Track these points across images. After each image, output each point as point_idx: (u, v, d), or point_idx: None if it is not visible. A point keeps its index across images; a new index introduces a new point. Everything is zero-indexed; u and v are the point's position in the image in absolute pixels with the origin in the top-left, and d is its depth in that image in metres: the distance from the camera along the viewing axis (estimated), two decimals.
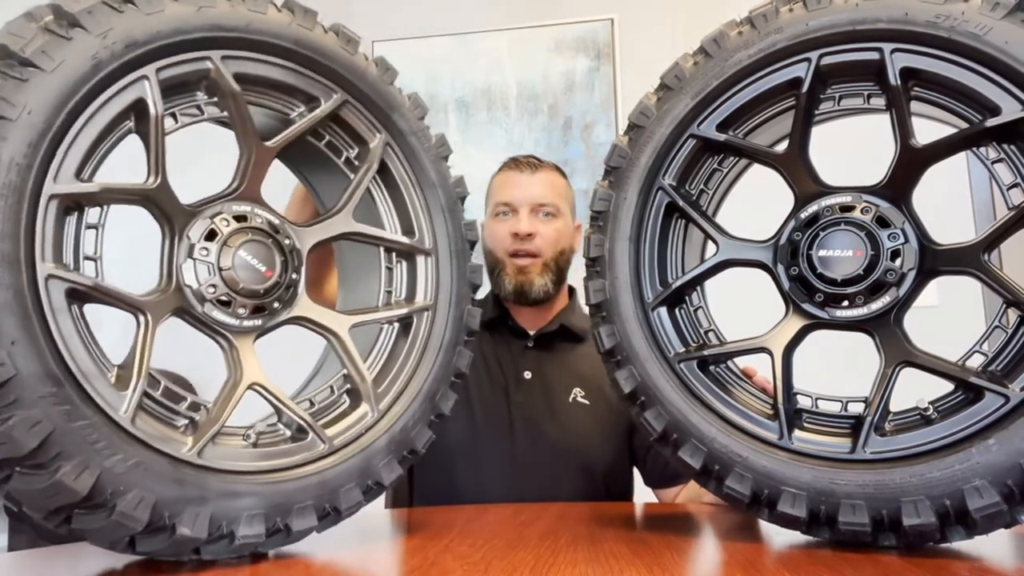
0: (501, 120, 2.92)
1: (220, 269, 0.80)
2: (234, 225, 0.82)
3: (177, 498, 0.72)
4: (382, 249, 1.00)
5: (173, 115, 0.82)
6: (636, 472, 1.69)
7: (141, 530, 0.70)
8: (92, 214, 0.76)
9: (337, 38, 0.91)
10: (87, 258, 0.76)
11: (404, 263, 1.00)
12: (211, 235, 0.80)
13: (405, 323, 0.97)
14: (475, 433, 1.46)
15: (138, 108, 0.76)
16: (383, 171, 0.97)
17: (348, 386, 0.93)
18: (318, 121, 0.90)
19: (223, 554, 0.77)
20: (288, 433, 0.87)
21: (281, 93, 0.90)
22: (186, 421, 0.80)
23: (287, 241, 0.86)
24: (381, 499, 1.63)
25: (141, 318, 0.76)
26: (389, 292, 1.00)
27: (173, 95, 0.81)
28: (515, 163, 1.58)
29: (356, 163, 0.96)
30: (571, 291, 1.65)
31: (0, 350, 0.62)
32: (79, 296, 0.72)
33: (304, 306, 0.88)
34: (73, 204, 0.73)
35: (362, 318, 0.94)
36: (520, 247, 1.50)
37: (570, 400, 1.49)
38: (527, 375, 1.51)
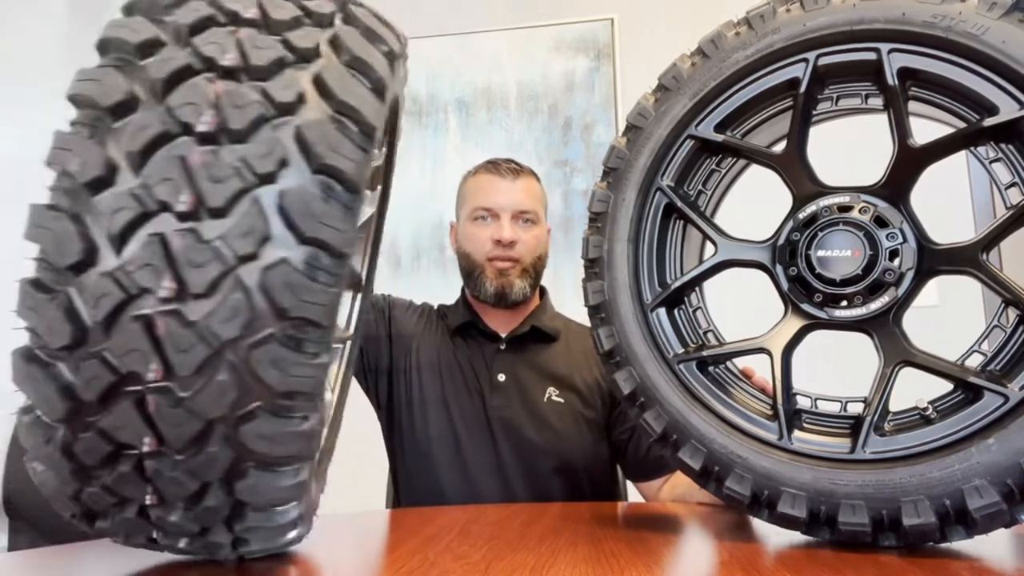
0: (501, 120, 2.92)
1: None
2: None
3: None
4: None
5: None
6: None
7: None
8: None
9: None
10: None
11: None
12: None
13: None
14: (456, 439, 1.47)
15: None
16: None
17: None
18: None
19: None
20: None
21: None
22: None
23: None
24: (381, 499, 1.64)
25: None
26: None
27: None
28: (495, 167, 1.57)
29: None
30: (542, 291, 1.66)
31: None
32: None
33: None
34: None
35: None
36: (501, 254, 1.50)
37: (545, 400, 1.50)
38: (501, 378, 1.51)
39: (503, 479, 1.44)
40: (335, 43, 0.64)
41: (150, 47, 0.60)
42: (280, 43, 0.62)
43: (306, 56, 0.62)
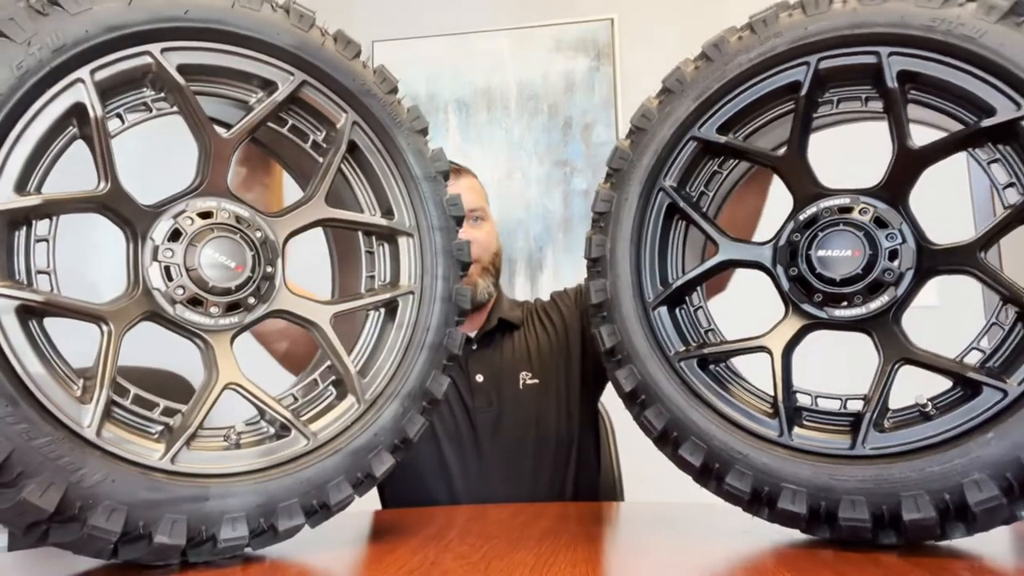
0: (501, 120, 2.92)
1: (187, 269, 0.78)
2: (199, 223, 0.80)
3: (151, 506, 0.72)
4: (361, 233, 0.97)
5: (119, 115, 0.80)
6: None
7: (116, 540, 0.70)
8: (41, 227, 0.75)
9: (288, 16, 0.86)
10: (40, 272, 0.74)
11: (386, 246, 0.96)
12: (175, 235, 0.79)
13: (391, 308, 0.94)
14: (439, 446, 1.47)
15: (79, 112, 0.74)
16: (354, 151, 0.92)
17: (333, 378, 0.91)
18: (276, 106, 0.86)
19: (209, 556, 0.77)
20: (272, 431, 0.86)
21: (235, 80, 0.86)
22: (161, 427, 0.79)
23: (258, 234, 0.83)
24: (377, 499, 1.64)
25: (104, 327, 0.75)
26: (372, 277, 0.97)
27: (117, 94, 0.78)
28: None
29: (325, 146, 0.92)
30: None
31: None
32: (35, 312, 0.71)
33: (283, 299, 0.86)
34: (20, 219, 0.72)
35: (343, 307, 0.92)
36: None
37: (520, 386, 1.51)
38: (479, 378, 1.52)
39: (486, 479, 1.45)
40: None
41: None
42: None
43: None
